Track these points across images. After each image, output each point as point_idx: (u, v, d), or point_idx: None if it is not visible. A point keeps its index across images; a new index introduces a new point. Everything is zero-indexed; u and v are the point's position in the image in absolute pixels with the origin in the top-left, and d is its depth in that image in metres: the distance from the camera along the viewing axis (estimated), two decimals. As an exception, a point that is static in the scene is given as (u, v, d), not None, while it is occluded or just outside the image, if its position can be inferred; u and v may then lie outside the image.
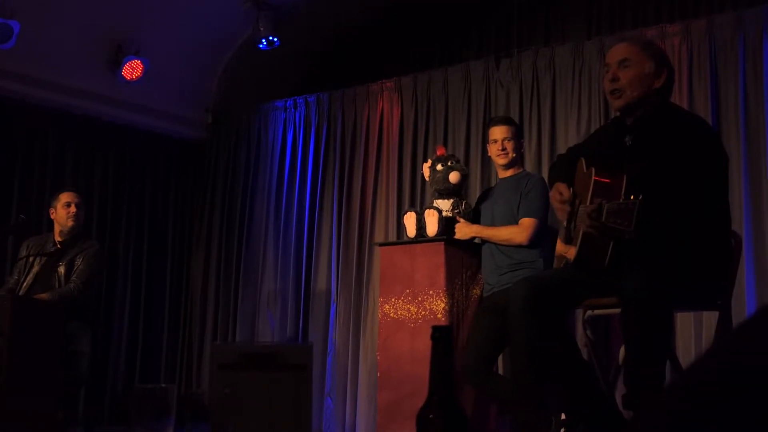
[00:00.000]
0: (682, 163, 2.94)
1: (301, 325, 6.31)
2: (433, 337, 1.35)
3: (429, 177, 4.82)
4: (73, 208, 5.15)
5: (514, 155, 4.53)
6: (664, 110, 3.15)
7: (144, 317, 6.78)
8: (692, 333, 4.55)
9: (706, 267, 2.98)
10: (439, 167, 4.75)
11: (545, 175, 5.11)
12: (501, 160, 4.54)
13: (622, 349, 3.29)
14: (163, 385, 1.49)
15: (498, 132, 4.53)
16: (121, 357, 6.58)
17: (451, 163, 4.77)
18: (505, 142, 4.50)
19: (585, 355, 3.65)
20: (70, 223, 5.14)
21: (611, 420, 3.07)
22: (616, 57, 3.14)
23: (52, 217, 5.21)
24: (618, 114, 3.27)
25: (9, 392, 3.98)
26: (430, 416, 1.33)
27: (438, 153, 4.89)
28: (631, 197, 2.75)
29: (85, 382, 5.05)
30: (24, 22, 5.69)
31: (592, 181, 2.91)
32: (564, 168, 3.33)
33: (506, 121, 4.63)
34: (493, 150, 4.56)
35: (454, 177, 4.70)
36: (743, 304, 4.37)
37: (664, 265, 2.83)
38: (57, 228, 5.18)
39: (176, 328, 6.99)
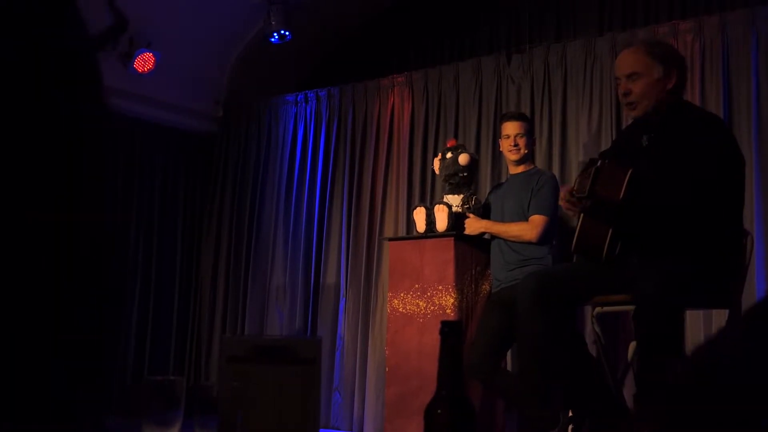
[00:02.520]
0: (694, 163, 2.95)
1: (309, 319, 6.31)
2: (442, 332, 1.34)
3: (439, 167, 4.83)
4: None
5: (526, 151, 4.53)
6: (680, 110, 3.16)
7: (153, 310, 6.79)
8: (702, 331, 4.53)
9: (717, 266, 2.98)
10: (449, 155, 4.77)
11: (556, 172, 5.11)
12: (513, 156, 4.54)
13: (631, 347, 3.28)
14: (172, 377, 1.49)
15: (511, 127, 4.53)
16: (130, 349, 6.59)
17: (461, 150, 4.79)
18: (518, 137, 4.50)
19: (594, 352, 3.65)
20: None
21: (617, 416, 3.07)
22: (624, 70, 3.19)
23: None
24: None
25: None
26: (438, 411, 1.33)
27: (448, 145, 4.92)
28: (595, 165, 2.88)
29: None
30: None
31: (594, 167, 2.94)
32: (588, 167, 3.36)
33: (519, 116, 4.63)
34: (505, 145, 4.56)
35: (463, 159, 4.71)
36: (753, 303, 4.34)
37: (677, 267, 2.83)
38: None
39: (185, 321, 7.00)
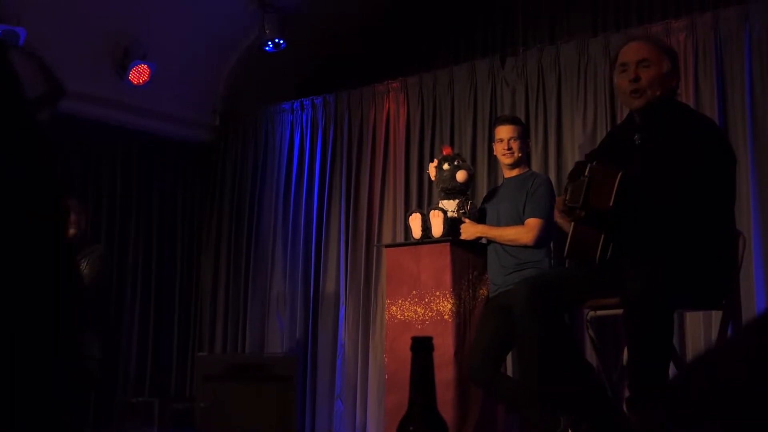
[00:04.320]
0: (686, 163, 2.93)
1: (310, 327, 6.30)
2: (413, 348, 1.33)
3: (435, 176, 4.80)
4: (72, 217, 5.15)
5: (519, 155, 4.51)
6: (673, 109, 3.15)
7: (154, 322, 6.77)
8: (701, 333, 4.51)
9: (709, 266, 2.96)
10: (445, 166, 4.73)
11: (551, 174, 5.09)
12: (506, 160, 4.52)
13: (626, 350, 3.26)
14: (144, 398, 1.49)
15: (504, 131, 4.51)
16: (132, 363, 6.55)
17: (458, 162, 4.75)
18: (511, 141, 4.48)
19: (589, 356, 3.64)
20: (71, 231, 5.14)
21: (614, 420, 3.05)
22: (635, 56, 3.10)
23: None
24: (630, 112, 3.26)
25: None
26: (411, 429, 1.31)
27: (444, 153, 4.87)
28: (583, 175, 2.84)
29: (95, 385, 5.06)
30: (30, 29, 5.69)
31: (587, 167, 2.92)
32: (578, 172, 3.33)
33: (512, 120, 4.61)
34: (499, 149, 4.54)
35: (461, 176, 4.69)
36: (752, 304, 4.32)
37: (666, 268, 2.81)
38: None
39: (186, 332, 6.98)
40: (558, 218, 3.22)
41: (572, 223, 3.03)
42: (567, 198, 2.93)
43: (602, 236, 2.94)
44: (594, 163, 2.96)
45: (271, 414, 1.35)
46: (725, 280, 3.07)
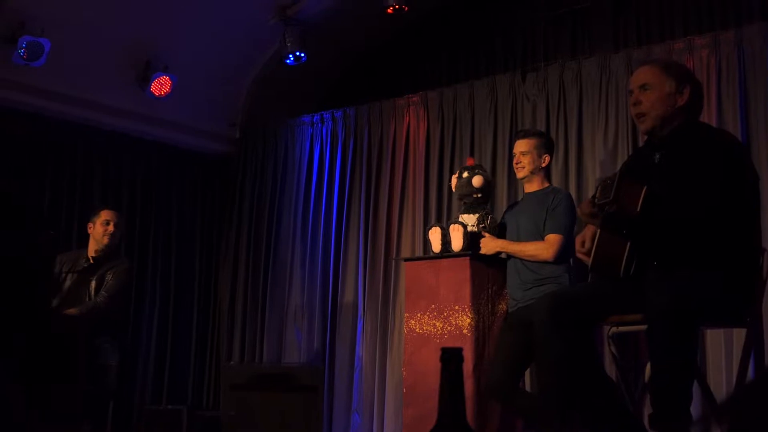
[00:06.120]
0: (706, 180, 2.93)
1: (328, 340, 6.29)
2: (443, 359, 1.33)
3: (455, 185, 4.83)
4: (111, 227, 5.25)
5: (531, 168, 4.48)
6: (691, 128, 3.16)
7: (172, 334, 6.78)
8: (722, 350, 4.47)
9: (732, 284, 2.94)
10: (465, 174, 4.76)
11: (572, 190, 5.07)
12: (517, 174, 4.56)
13: (648, 368, 3.24)
14: (172, 406, 1.49)
15: (517, 146, 4.54)
16: (149, 374, 6.56)
17: (477, 170, 4.78)
18: (522, 155, 4.47)
19: (611, 373, 3.61)
20: (105, 240, 5.23)
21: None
22: (637, 82, 3.22)
23: (89, 231, 5.30)
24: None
25: (35, 405, 4.03)
26: (441, 440, 1.31)
27: (467, 164, 4.91)
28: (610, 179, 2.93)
29: (113, 394, 5.07)
30: (54, 41, 5.75)
31: (615, 181, 2.94)
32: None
33: (525, 134, 4.59)
34: (514, 163, 4.57)
35: (477, 181, 4.70)
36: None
37: (690, 285, 2.80)
38: (92, 244, 5.27)
39: (204, 343, 6.99)
40: (578, 252, 3.21)
41: (597, 234, 3.03)
42: (597, 195, 2.97)
43: (627, 247, 2.95)
44: (619, 174, 2.98)
45: (298, 424, 1.35)
46: (749, 297, 3.05)
